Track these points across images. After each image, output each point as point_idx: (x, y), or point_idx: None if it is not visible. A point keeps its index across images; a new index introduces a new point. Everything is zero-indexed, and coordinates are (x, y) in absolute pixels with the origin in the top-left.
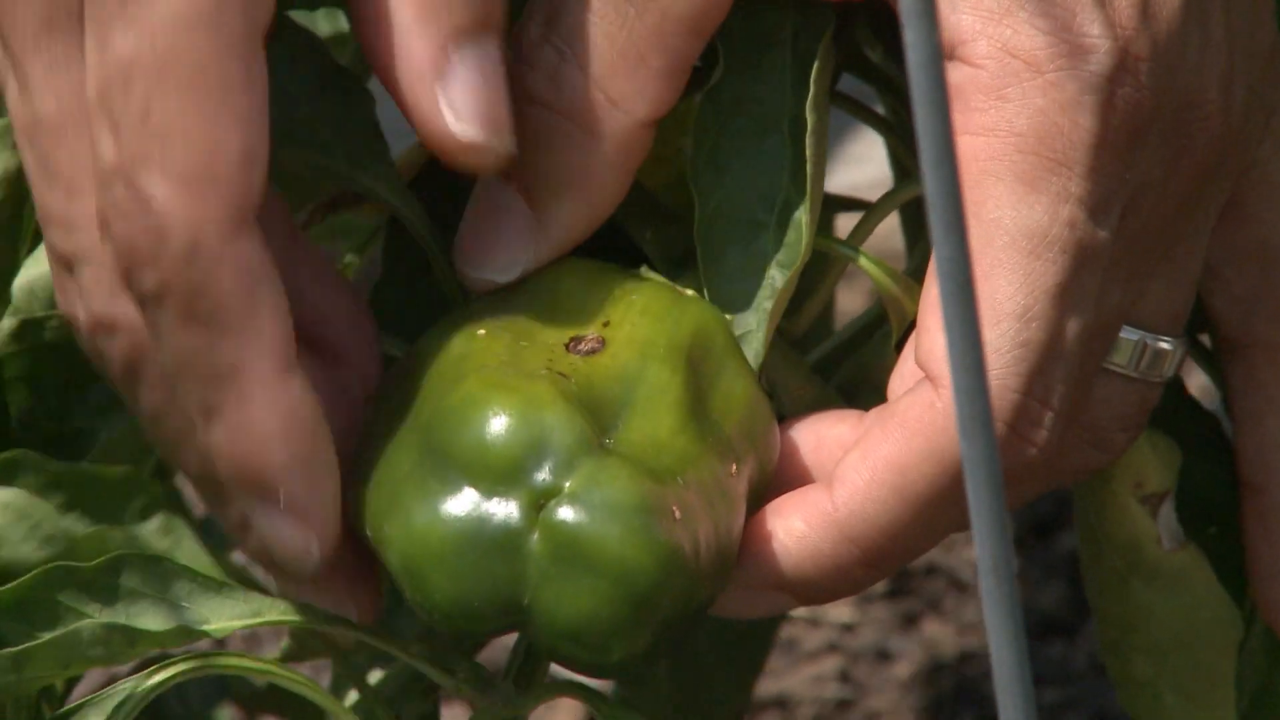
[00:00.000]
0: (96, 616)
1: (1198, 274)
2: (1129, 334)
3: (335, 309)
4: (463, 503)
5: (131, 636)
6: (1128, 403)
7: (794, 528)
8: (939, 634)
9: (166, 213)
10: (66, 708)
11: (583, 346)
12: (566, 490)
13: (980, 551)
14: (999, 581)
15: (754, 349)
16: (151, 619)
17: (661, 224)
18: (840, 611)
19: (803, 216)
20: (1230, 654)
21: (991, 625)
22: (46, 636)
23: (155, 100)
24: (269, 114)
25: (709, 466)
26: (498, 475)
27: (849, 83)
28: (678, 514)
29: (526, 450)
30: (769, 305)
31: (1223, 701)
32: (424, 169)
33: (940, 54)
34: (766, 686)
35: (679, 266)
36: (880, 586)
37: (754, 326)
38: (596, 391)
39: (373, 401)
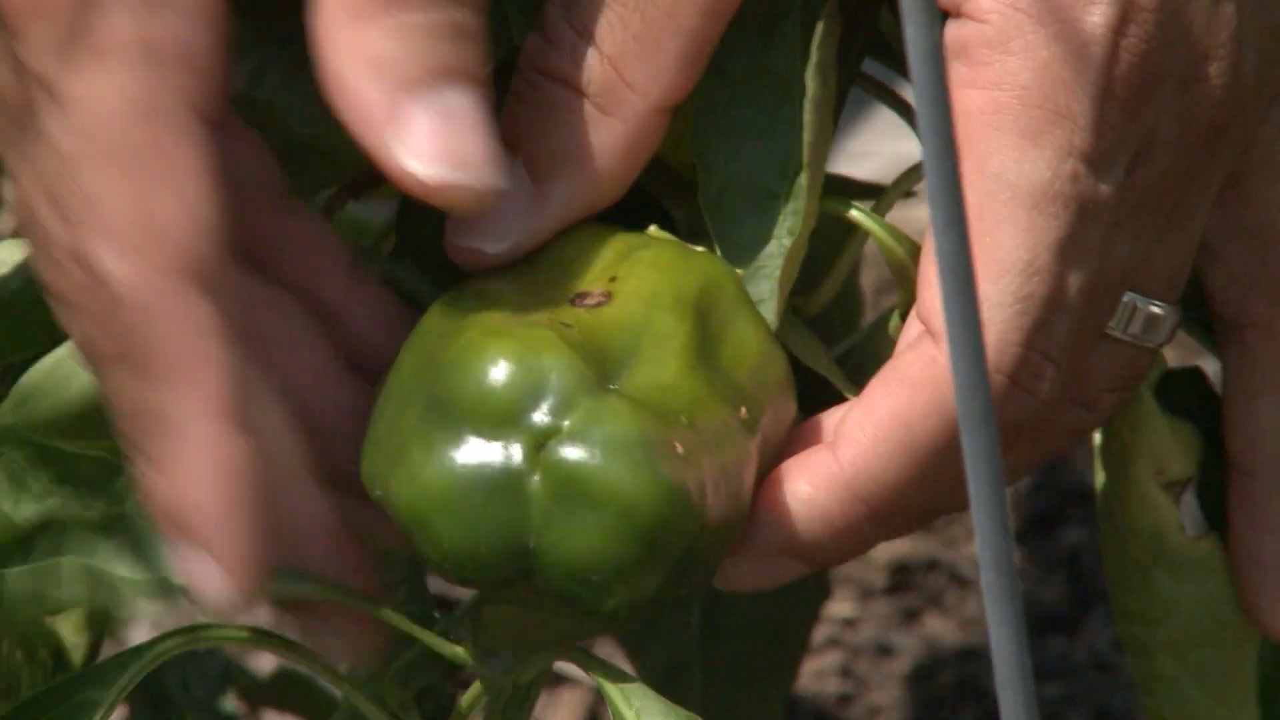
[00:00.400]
0: (90, 557)
1: (1196, 242)
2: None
3: (364, 304)
4: (464, 449)
5: (110, 580)
6: (1116, 365)
7: (800, 490)
8: (940, 629)
9: (113, 278)
10: (67, 676)
11: (588, 301)
12: (566, 429)
13: (981, 547)
14: (1000, 576)
15: (767, 317)
16: (137, 569)
17: (691, 201)
18: (841, 606)
19: (804, 181)
20: (1252, 647)
21: (993, 620)
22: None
23: (98, 186)
24: (215, 190)
25: (716, 411)
26: (498, 419)
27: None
28: (680, 449)
29: (526, 392)
30: (779, 271)
31: (1245, 696)
32: None
33: (941, 48)
34: None
35: (704, 241)
36: (881, 581)
37: (766, 295)
38: (601, 340)
39: (383, 373)
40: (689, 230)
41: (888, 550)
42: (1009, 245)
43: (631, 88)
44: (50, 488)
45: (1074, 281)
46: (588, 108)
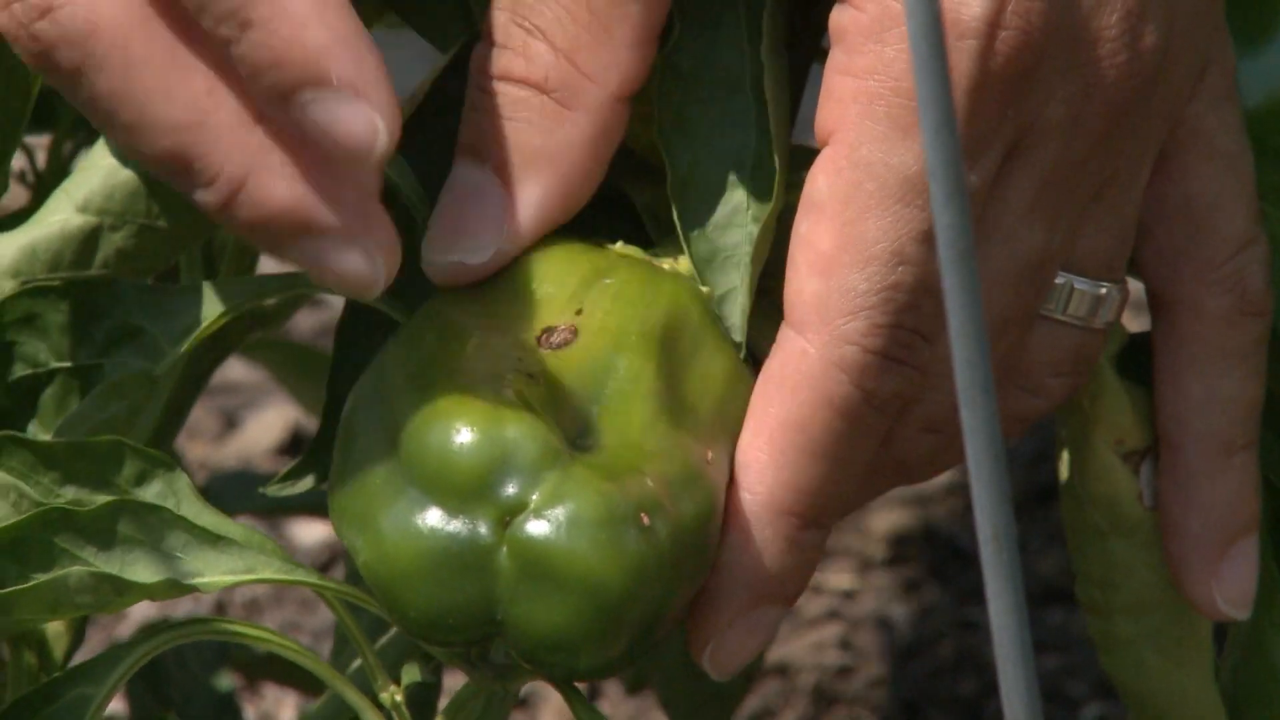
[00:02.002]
0: (92, 561)
1: (1132, 220)
2: (1057, 278)
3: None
4: (430, 522)
5: (120, 586)
6: (1060, 348)
7: (732, 540)
8: (939, 601)
9: None
10: (59, 674)
11: (554, 339)
12: (532, 505)
13: (980, 519)
14: (999, 549)
15: (738, 305)
16: (144, 569)
17: (654, 186)
18: (841, 579)
19: (768, 169)
20: None
21: (992, 592)
22: (39, 579)
23: None
24: None
25: (683, 457)
26: (464, 493)
27: None
28: (646, 521)
29: (491, 466)
30: (749, 259)
31: (1201, 660)
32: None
33: (940, 22)
34: (767, 654)
35: (671, 227)
36: (881, 553)
37: (736, 283)
38: (566, 389)
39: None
40: (655, 219)
41: (887, 522)
42: (874, 236)
43: (590, 79)
44: (52, 489)
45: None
46: (549, 105)
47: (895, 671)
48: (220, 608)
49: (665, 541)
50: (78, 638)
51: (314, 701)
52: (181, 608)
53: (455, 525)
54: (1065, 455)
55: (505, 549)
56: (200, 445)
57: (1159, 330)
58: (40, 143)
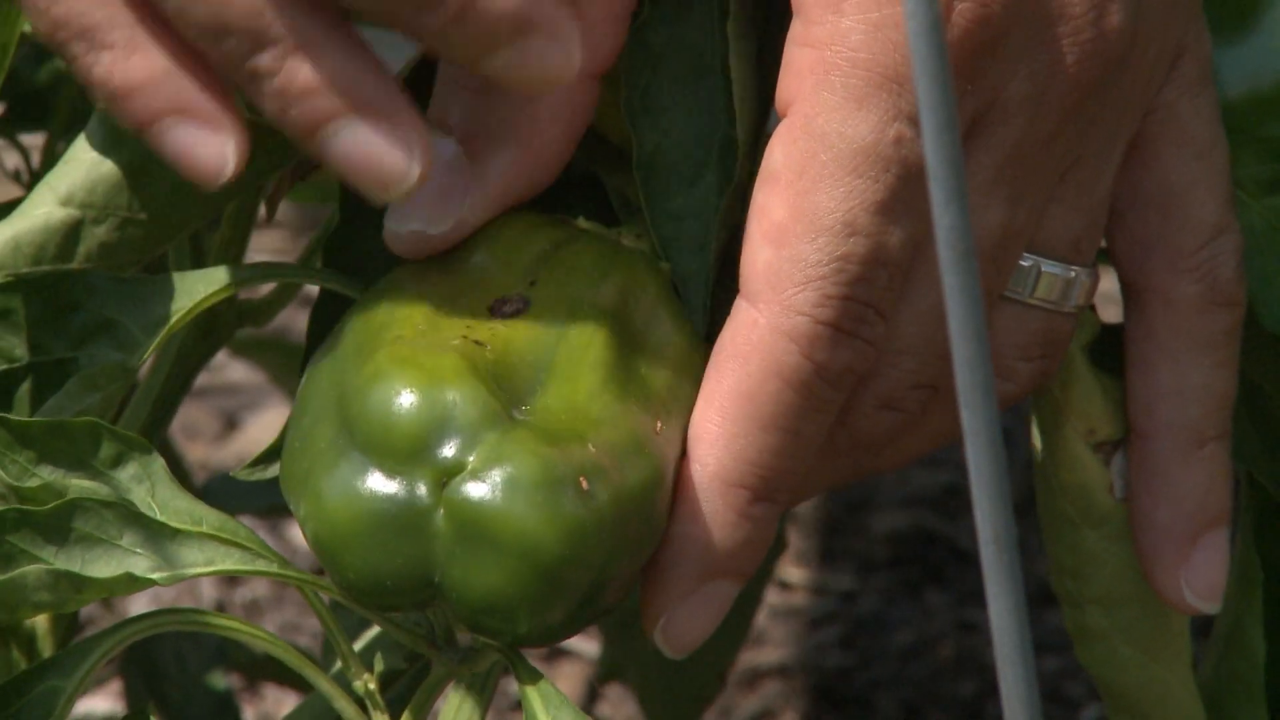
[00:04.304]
0: (50, 560)
1: (1102, 203)
2: (1023, 259)
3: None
4: (369, 484)
5: (78, 583)
6: (1027, 331)
7: (682, 512)
8: (940, 602)
9: None
10: (27, 668)
11: (506, 308)
12: (470, 466)
13: (981, 520)
14: (1000, 550)
15: (700, 285)
16: (103, 566)
17: (626, 170)
18: (842, 580)
19: (734, 149)
20: None
21: (992, 593)
22: None
23: None
24: None
25: (629, 426)
26: (403, 454)
27: None
28: (585, 485)
29: (430, 427)
30: (712, 240)
31: (1177, 653)
32: None
33: (940, 24)
34: (768, 655)
35: (637, 210)
36: (882, 555)
37: (699, 263)
38: (515, 356)
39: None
40: (622, 200)
41: (888, 524)
42: (827, 206)
43: None
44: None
45: (895, 239)
46: None
47: (895, 673)
48: (220, 608)
49: (605, 506)
50: (67, 634)
51: None
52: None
53: (393, 487)
54: (1037, 444)
55: (442, 511)
56: (200, 446)
57: (1130, 319)
58: (35, 142)
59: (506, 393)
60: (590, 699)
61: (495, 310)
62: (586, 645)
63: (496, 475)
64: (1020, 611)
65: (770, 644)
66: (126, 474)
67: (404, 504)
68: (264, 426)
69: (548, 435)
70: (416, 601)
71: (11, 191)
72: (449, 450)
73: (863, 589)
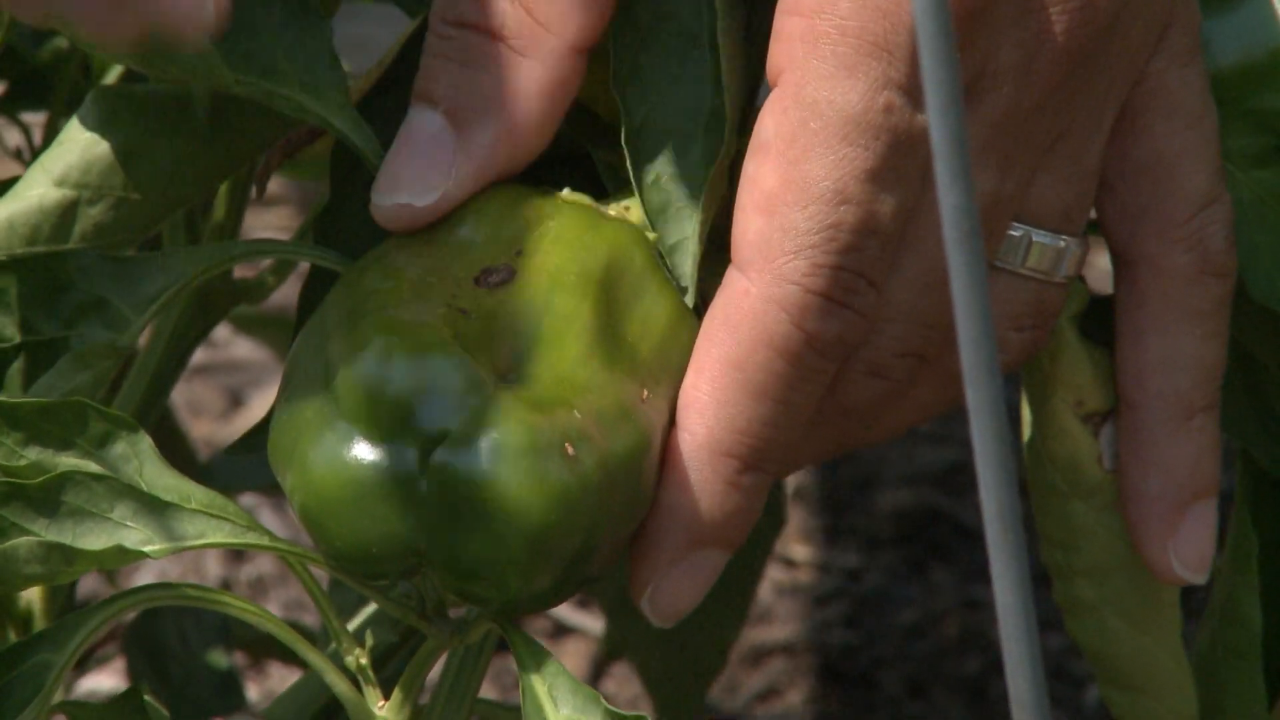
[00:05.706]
0: (41, 533)
1: (1091, 174)
2: (1013, 229)
3: None
4: (355, 452)
5: (69, 555)
6: (1018, 300)
7: (671, 480)
8: (945, 580)
9: None
10: (18, 640)
11: (492, 278)
12: (455, 434)
13: (985, 498)
14: (1005, 527)
15: (690, 255)
16: (94, 538)
17: (617, 145)
18: (847, 558)
19: (722, 122)
20: None
21: (997, 571)
22: None
23: None
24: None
25: (616, 396)
26: (388, 423)
27: None
28: (570, 450)
29: (415, 395)
30: (701, 209)
31: (1166, 624)
32: (372, 96)
33: (947, 2)
34: (773, 632)
35: (627, 183)
36: (887, 532)
37: (688, 233)
38: (500, 325)
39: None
40: (612, 175)
41: (893, 501)
42: (818, 175)
43: (546, 27)
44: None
45: (886, 208)
46: (504, 52)
47: (900, 650)
48: (226, 586)
49: (591, 472)
50: (64, 607)
51: None
52: None
53: (379, 454)
54: (1027, 414)
55: (428, 478)
56: (205, 423)
57: (1120, 289)
58: (37, 120)
59: (492, 361)
60: (595, 676)
61: (481, 280)
62: (591, 622)
63: (482, 442)
64: (1025, 588)
65: (775, 621)
66: (114, 453)
67: (390, 471)
68: (268, 403)
69: (533, 402)
70: (404, 569)
71: (13, 169)
72: (434, 418)
73: (868, 566)
